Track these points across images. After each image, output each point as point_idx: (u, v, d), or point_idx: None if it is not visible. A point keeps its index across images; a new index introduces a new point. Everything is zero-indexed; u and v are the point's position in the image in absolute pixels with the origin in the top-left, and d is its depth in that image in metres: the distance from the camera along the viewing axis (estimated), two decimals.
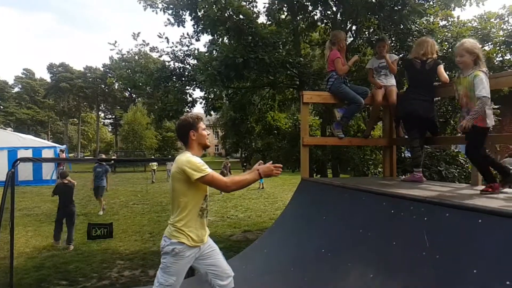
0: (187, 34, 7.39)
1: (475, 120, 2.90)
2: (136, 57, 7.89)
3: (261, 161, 2.76)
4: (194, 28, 7.25)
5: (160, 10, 6.97)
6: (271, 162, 2.69)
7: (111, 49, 8.80)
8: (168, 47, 7.54)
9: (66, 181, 7.05)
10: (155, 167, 19.86)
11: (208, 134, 2.78)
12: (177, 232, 2.55)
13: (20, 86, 56.77)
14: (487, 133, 3.12)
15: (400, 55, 6.03)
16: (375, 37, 6.42)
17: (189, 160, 2.52)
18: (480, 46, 3.14)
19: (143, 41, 7.63)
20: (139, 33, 7.47)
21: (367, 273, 2.72)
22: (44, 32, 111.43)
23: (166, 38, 7.37)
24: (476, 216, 2.24)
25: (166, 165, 20.91)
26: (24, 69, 58.23)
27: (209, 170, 2.52)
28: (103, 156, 19.45)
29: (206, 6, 5.88)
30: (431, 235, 2.42)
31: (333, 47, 4.61)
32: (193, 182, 2.50)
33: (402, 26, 5.95)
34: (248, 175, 2.63)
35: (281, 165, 2.67)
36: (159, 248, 2.65)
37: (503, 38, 6.22)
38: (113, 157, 21.65)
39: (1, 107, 53.02)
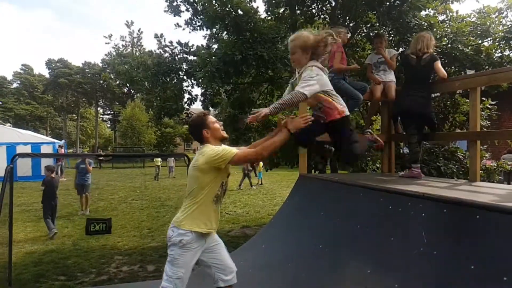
0: (184, 21, 7.31)
1: (277, 110, 2.51)
2: (130, 49, 7.87)
3: (285, 119, 2.63)
4: (189, 21, 7.17)
5: None
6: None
7: (106, 43, 8.76)
8: (163, 46, 7.53)
9: (52, 175, 7.41)
10: (159, 163, 19.11)
11: (221, 125, 2.79)
12: (186, 219, 2.55)
13: (18, 81, 56.49)
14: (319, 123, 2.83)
15: (400, 50, 6.00)
16: (375, 31, 6.39)
17: (213, 149, 2.56)
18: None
19: (139, 30, 7.62)
20: (132, 22, 7.44)
21: (364, 269, 2.73)
22: (43, 29, 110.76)
23: (162, 35, 7.36)
24: (474, 212, 2.24)
25: (167, 161, 20.86)
26: (22, 65, 57.80)
27: (234, 150, 2.56)
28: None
29: (205, 3, 5.84)
30: (428, 231, 2.43)
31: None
32: (222, 168, 2.55)
33: (401, 21, 5.92)
34: (276, 137, 2.59)
35: (308, 114, 2.53)
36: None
37: (502, 34, 6.20)
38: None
39: (0, 102, 52.82)
